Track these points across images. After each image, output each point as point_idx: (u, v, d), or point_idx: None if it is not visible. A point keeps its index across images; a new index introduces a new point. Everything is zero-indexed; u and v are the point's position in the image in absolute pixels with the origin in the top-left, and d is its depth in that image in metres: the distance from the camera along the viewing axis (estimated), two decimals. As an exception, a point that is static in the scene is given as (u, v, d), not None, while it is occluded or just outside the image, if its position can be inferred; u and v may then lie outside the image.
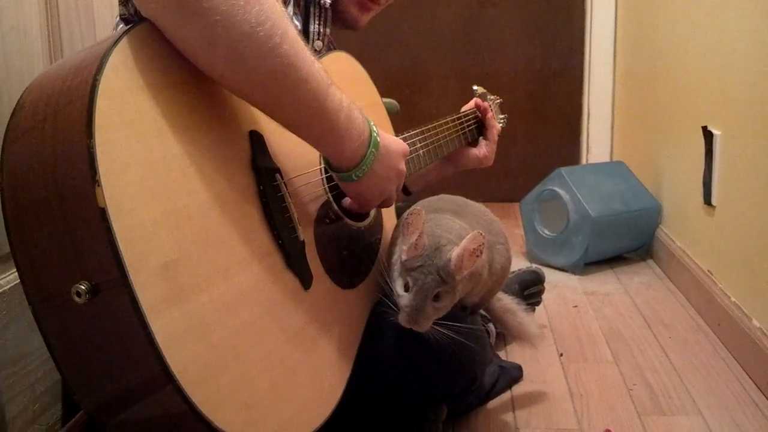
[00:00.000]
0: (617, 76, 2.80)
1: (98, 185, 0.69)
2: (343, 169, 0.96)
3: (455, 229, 1.08)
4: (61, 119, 0.73)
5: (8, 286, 1.08)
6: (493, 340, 1.57)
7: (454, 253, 1.01)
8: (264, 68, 0.82)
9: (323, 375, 0.96)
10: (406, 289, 1.02)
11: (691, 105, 1.96)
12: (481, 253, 1.01)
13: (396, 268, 1.05)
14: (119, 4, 0.98)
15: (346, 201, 1.05)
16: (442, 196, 1.24)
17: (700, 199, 1.81)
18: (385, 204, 1.07)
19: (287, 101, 0.86)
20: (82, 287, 0.69)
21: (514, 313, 1.35)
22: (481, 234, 0.99)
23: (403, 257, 1.03)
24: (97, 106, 0.71)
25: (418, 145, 1.30)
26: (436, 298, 1.02)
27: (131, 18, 0.95)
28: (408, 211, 1.03)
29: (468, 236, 0.99)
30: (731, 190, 1.67)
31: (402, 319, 1.02)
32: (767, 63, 1.47)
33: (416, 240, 1.02)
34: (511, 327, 1.36)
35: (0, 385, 0.91)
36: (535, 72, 2.98)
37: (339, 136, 0.92)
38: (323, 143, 0.94)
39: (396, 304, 1.03)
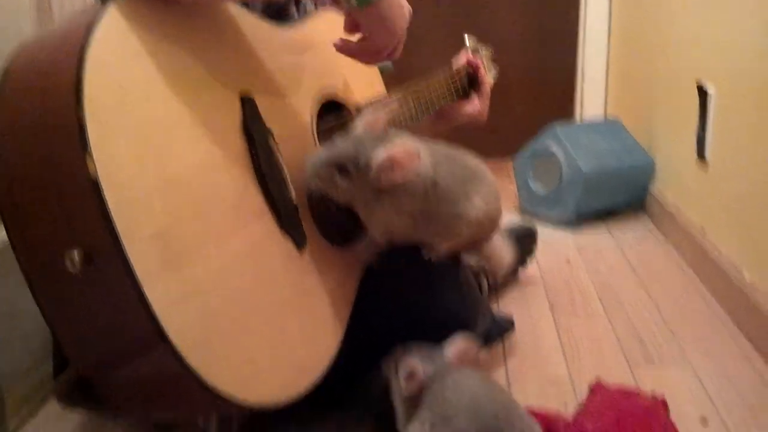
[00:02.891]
0: (612, 33, 2.78)
1: (89, 155, 0.69)
2: None
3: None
4: (50, 89, 0.72)
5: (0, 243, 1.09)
6: (485, 293, 1.59)
7: (382, 155, 0.97)
8: None
9: (318, 335, 0.98)
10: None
11: (685, 61, 1.95)
12: (410, 170, 0.98)
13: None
14: None
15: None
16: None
17: (694, 154, 1.82)
18: (398, 48, 1.05)
19: None
20: (76, 257, 0.70)
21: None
22: (415, 147, 0.98)
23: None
24: (85, 76, 0.71)
25: (411, 103, 1.30)
26: (344, 173, 0.99)
27: None
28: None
29: (401, 143, 0.97)
30: (725, 146, 1.67)
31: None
32: (762, 19, 1.46)
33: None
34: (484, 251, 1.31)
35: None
36: (530, 29, 2.96)
37: None
38: None
39: None
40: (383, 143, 0.98)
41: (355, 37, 1.03)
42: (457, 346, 1.01)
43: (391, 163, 0.97)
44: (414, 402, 0.95)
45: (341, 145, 0.99)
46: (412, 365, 0.96)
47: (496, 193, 1.17)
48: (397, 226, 1.04)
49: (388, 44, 1.01)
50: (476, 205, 1.11)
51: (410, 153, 0.97)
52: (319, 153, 0.99)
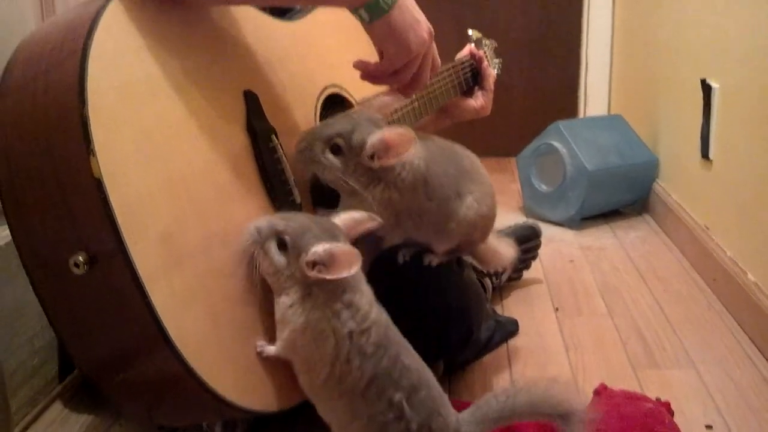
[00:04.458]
0: (616, 29, 2.77)
1: (93, 155, 0.68)
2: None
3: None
4: (53, 85, 0.72)
5: (4, 242, 1.08)
6: (489, 294, 1.58)
7: (377, 135, 0.97)
8: None
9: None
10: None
11: (689, 58, 1.94)
12: (403, 152, 0.96)
13: None
14: None
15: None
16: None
17: (698, 153, 1.81)
18: (420, 73, 1.02)
19: None
20: (80, 258, 0.69)
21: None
22: (410, 132, 0.96)
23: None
24: (89, 71, 0.70)
25: (414, 97, 1.29)
26: (336, 149, 0.97)
27: None
28: None
29: (396, 128, 0.97)
30: (729, 144, 1.66)
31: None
32: (766, 16, 1.45)
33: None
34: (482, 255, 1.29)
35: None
36: (533, 24, 2.95)
37: None
38: None
39: None
40: (379, 127, 0.98)
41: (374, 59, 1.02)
42: (351, 216, 0.93)
43: (386, 145, 0.96)
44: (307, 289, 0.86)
45: (337, 123, 0.98)
46: (331, 252, 0.84)
47: (491, 193, 1.16)
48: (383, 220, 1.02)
49: (403, 60, 0.98)
50: (468, 205, 1.10)
51: (405, 137, 0.96)
52: (313, 127, 0.99)
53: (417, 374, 0.88)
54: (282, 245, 0.84)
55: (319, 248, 0.83)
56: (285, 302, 0.85)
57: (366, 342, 0.86)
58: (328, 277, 0.83)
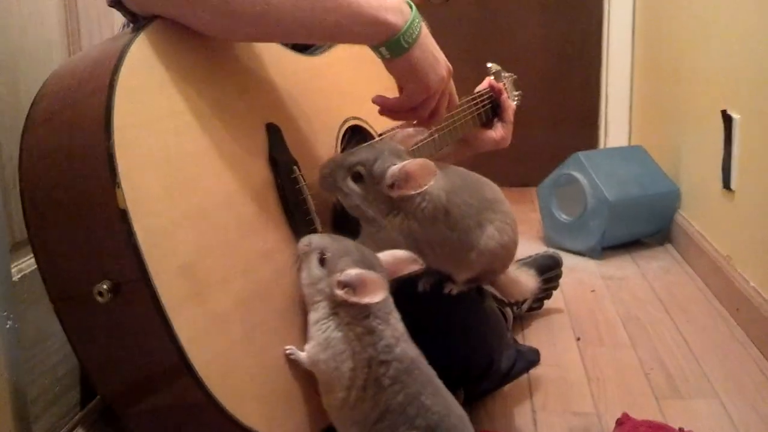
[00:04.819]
0: (636, 60, 2.78)
1: (118, 187, 0.70)
2: (391, 36, 0.92)
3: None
4: (79, 118, 0.73)
5: (29, 270, 1.10)
6: (510, 324, 1.57)
7: (397, 166, 0.98)
8: None
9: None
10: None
11: (710, 88, 1.94)
12: (423, 184, 0.97)
13: None
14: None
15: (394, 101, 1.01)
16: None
17: (719, 183, 1.81)
18: (437, 109, 1.03)
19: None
20: (104, 287, 0.70)
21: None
22: (431, 165, 0.97)
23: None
24: (115, 106, 0.72)
25: (432, 129, 1.30)
26: (357, 177, 0.99)
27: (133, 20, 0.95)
28: None
29: (417, 160, 0.98)
30: (751, 174, 1.66)
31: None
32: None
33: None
34: (503, 285, 1.31)
35: (21, 367, 0.93)
36: (552, 55, 2.96)
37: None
38: (365, 14, 0.90)
39: None
40: (401, 158, 0.99)
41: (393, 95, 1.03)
42: (393, 254, 0.96)
43: (406, 175, 0.97)
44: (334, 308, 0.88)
45: (361, 152, 1.00)
46: (362, 278, 0.88)
47: (512, 222, 1.17)
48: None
49: (421, 97, 0.99)
50: (490, 235, 1.11)
51: (426, 168, 0.97)
52: (338, 154, 1.01)
53: (438, 417, 0.87)
54: (322, 261, 0.89)
55: (351, 271, 0.86)
56: (313, 317, 0.88)
57: (384, 374, 0.87)
58: (353, 299, 0.86)
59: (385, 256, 0.94)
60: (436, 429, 0.86)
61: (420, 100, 1.00)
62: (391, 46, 0.92)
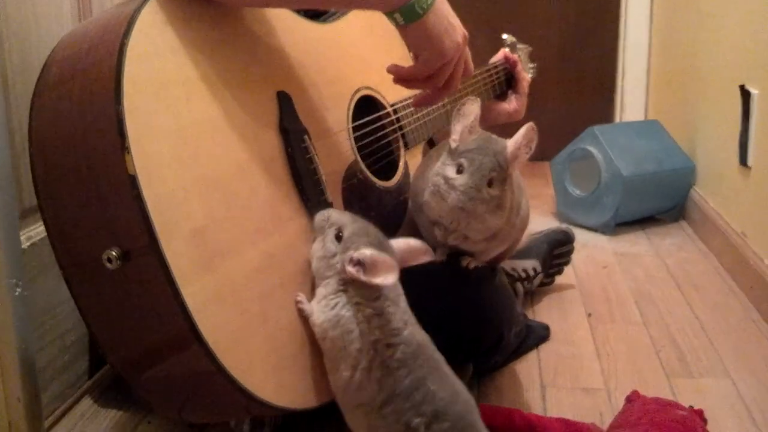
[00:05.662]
0: (653, 33, 2.74)
1: (128, 152, 0.69)
2: (406, 1, 0.90)
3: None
4: (90, 82, 0.73)
5: (38, 238, 1.10)
6: (520, 299, 1.57)
7: (511, 140, 1.01)
8: None
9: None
10: (460, 171, 1.01)
11: (728, 63, 1.91)
12: (533, 147, 1.01)
13: (443, 159, 1.04)
14: None
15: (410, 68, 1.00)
16: None
17: (736, 159, 1.78)
18: (453, 77, 1.01)
19: None
20: (114, 253, 0.70)
21: None
22: (534, 128, 1.00)
23: (453, 144, 1.02)
24: (125, 71, 0.71)
25: (446, 100, 1.29)
26: (490, 183, 1.01)
27: None
28: (462, 101, 1.03)
29: (523, 128, 1.00)
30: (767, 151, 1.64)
31: (453, 200, 1.00)
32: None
33: (471, 123, 1.01)
34: None
35: (30, 335, 0.93)
36: (569, 28, 2.93)
37: None
38: None
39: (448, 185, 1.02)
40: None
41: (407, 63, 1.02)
42: (407, 242, 0.96)
43: (517, 151, 1.02)
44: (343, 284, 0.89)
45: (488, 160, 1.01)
46: (375, 258, 0.88)
47: (526, 196, 1.18)
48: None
49: (436, 64, 0.97)
50: (525, 209, 1.11)
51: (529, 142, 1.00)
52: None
53: (444, 403, 0.86)
54: (338, 237, 0.89)
55: (366, 251, 0.87)
56: (321, 292, 0.89)
57: (390, 357, 0.86)
58: (363, 278, 0.86)
59: (399, 243, 0.94)
60: (442, 416, 0.85)
61: (435, 68, 0.98)
62: (406, 12, 0.91)
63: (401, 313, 0.90)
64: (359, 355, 0.86)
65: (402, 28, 0.94)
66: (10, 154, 0.93)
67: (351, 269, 0.86)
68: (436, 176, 1.03)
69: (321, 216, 0.91)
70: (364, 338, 0.86)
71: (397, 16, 0.92)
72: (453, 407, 0.87)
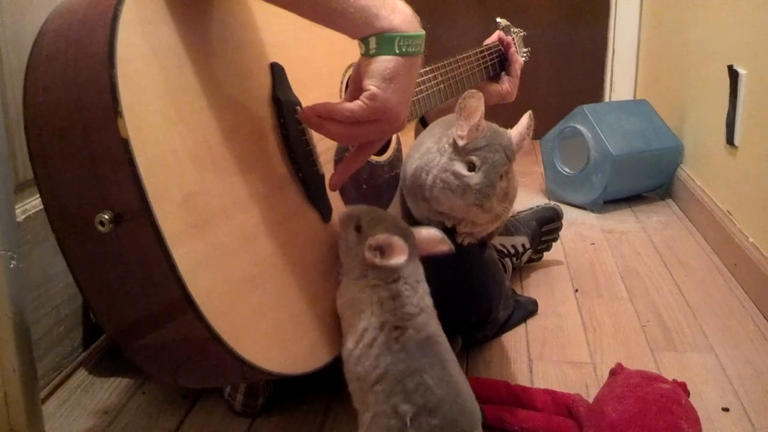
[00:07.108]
0: (643, 13, 2.75)
1: (120, 116, 0.70)
2: (387, 30, 0.82)
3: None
4: (83, 49, 0.73)
5: (33, 211, 1.10)
6: (509, 274, 1.58)
7: (515, 131, 1.05)
8: None
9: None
10: (471, 169, 1.03)
11: (717, 44, 1.93)
12: (530, 133, 1.07)
13: (449, 154, 1.04)
14: None
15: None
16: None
17: (723, 139, 1.80)
18: (398, 123, 0.87)
19: None
20: (106, 216, 0.70)
21: None
22: (532, 116, 1.06)
23: (461, 142, 1.03)
24: (118, 37, 0.71)
25: (439, 79, 1.29)
26: (500, 177, 1.03)
27: None
28: (463, 95, 1.02)
29: (524, 117, 1.05)
30: (754, 130, 1.65)
31: (470, 199, 1.02)
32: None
33: (478, 121, 1.02)
34: None
35: (26, 307, 0.94)
36: (560, 7, 2.93)
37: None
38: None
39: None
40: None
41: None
42: (428, 232, 0.98)
43: (521, 141, 1.07)
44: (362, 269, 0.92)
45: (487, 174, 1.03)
46: (389, 241, 0.89)
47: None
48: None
49: (371, 113, 0.84)
50: (515, 186, 1.12)
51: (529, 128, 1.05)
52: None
53: (438, 400, 0.85)
54: (358, 228, 0.93)
55: (380, 235, 0.90)
56: (345, 279, 0.94)
57: (395, 339, 0.88)
58: (380, 262, 0.89)
59: (419, 232, 0.97)
60: (433, 411, 0.84)
61: (367, 118, 0.84)
62: (383, 40, 0.82)
63: (418, 298, 0.92)
64: (364, 333, 0.88)
65: (368, 60, 0.84)
66: (4, 126, 0.94)
67: (369, 254, 0.90)
68: (445, 172, 1.03)
69: (341, 214, 0.97)
70: (373, 319, 0.89)
71: (371, 40, 0.83)
72: (447, 408, 0.85)
